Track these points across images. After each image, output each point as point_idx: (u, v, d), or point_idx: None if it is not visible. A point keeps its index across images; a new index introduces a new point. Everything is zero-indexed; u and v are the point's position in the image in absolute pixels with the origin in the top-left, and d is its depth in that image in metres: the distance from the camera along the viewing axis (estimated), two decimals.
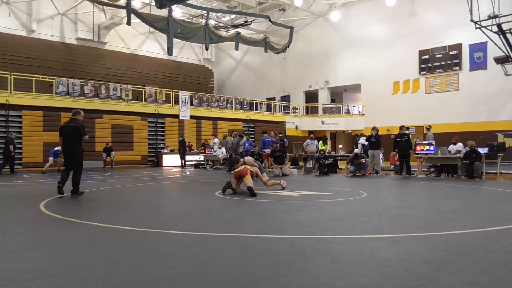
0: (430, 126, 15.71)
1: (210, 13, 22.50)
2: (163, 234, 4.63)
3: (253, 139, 22.00)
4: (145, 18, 17.43)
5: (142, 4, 24.59)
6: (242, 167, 8.64)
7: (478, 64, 22.84)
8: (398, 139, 13.73)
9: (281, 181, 9.38)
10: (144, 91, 22.88)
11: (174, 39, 17.60)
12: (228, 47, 31.79)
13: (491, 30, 14.38)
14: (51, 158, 16.23)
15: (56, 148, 15.92)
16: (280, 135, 17.00)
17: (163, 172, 17.24)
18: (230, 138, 18.26)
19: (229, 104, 26.26)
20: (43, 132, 18.43)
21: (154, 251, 3.82)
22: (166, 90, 24.00)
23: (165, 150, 22.45)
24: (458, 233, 4.54)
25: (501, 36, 14.28)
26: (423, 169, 13.78)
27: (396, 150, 14.09)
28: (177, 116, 23.35)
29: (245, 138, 17.16)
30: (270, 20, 21.98)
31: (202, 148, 21.03)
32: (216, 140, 20.10)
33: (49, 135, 18.12)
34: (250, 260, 3.48)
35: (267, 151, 15.59)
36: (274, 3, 28.38)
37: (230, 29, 24.66)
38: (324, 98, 29.94)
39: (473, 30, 15.69)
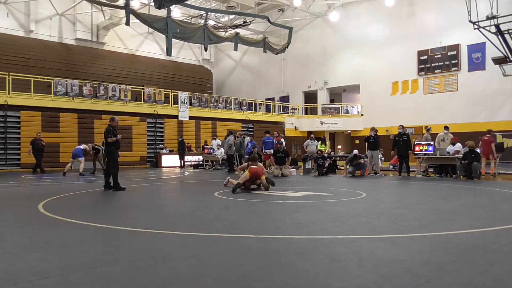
0: (429, 127, 15.53)
1: (209, 13, 22.49)
2: (162, 234, 4.63)
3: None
4: (144, 19, 17.42)
5: (141, 5, 24.57)
6: (260, 165, 9.27)
7: (476, 64, 22.87)
8: (397, 139, 13.75)
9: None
10: (143, 91, 22.85)
11: (173, 39, 17.60)
12: (227, 47, 31.77)
13: (489, 31, 14.40)
14: (72, 160, 15.36)
15: (81, 147, 15.47)
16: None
17: (162, 172, 17.23)
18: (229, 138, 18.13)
19: (228, 105, 26.26)
20: (42, 133, 18.35)
21: (153, 251, 3.82)
22: (165, 91, 23.98)
23: (164, 151, 22.43)
24: (456, 233, 4.55)
25: (499, 36, 14.29)
26: (421, 170, 13.80)
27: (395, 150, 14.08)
28: (176, 117, 23.33)
29: (248, 138, 17.20)
30: (269, 21, 21.99)
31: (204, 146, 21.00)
32: (218, 141, 19.99)
33: (48, 135, 18.08)
34: (249, 261, 3.48)
35: (269, 151, 15.47)
36: (273, 3, 28.38)
37: (229, 29, 24.65)
38: (323, 99, 29.95)
39: (471, 30, 15.69)
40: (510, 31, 14.06)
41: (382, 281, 2.89)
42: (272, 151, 15.27)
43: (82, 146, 15.57)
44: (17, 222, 5.54)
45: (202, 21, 20.42)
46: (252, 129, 26.27)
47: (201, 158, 21.24)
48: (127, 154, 20.99)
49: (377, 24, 26.72)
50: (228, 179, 9.97)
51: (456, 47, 23.52)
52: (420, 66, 25.05)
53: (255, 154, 10.84)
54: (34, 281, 2.96)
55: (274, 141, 15.76)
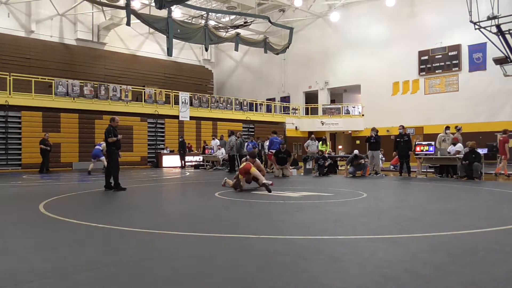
0: (460, 126, 14.01)
1: (210, 13, 22.49)
2: (163, 234, 4.62)
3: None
4: (145, 19, 17.41)
5: (142, 5, 24.58)
6: (245, 162, 9.41)
7: (477, 65, 22.85)
8: (398, 139, 13.75)
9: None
10: (144, 91, 22.86)
11: (173, 39, 17.58)
12: (227, 47, 31.78)
13: (490, 31, 14.38)
14: (93, 160, 15.83)
15: (100, 147, 15.56)
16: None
17: (163, 173, 17.23)
18: (227, 138, 18.31)
19: (228, 105, 26.25)
20: (43, 133, 18.35)
21: (154, 252, 3.82)
22: (165, 91, 23.98)
23: (165, 151, 22.44)
24: (457, 234, 4.54)
25: (500, 37, 14.27)
26: (422, 170, 13.79)
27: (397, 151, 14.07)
28: (176, 117, 23.33)
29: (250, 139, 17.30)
30: (269, 21, 21.97)
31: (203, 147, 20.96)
32: (217, 141, 20.00)
33: (49, 136, 18.09)
34: (250, 261, 3.47)
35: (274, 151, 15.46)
36: (273, 3, 28.38)
37: (229, 29, 24.63)
38: (323, 99, 29.94)
39: (472, 31, 15.69)
40: (511, 31, 14.04)
41: (383, 281, 2.89)
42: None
43: (102, 147, 15.51)
44: (18, 222, 5.54)
45: (203, 22, 20.39)
46: (253, 130, 26.27)
47: (201, 158, 21.24)
48: (128, 155, 21.00)
49: (378, 24, 26.70)
50: (225, 179, 9.99)
51: (457, 47, 23.50)
52: (421, 67, 25.03)
53: (254, 151, 11.21)
54: (35, 281, 2.96)
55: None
